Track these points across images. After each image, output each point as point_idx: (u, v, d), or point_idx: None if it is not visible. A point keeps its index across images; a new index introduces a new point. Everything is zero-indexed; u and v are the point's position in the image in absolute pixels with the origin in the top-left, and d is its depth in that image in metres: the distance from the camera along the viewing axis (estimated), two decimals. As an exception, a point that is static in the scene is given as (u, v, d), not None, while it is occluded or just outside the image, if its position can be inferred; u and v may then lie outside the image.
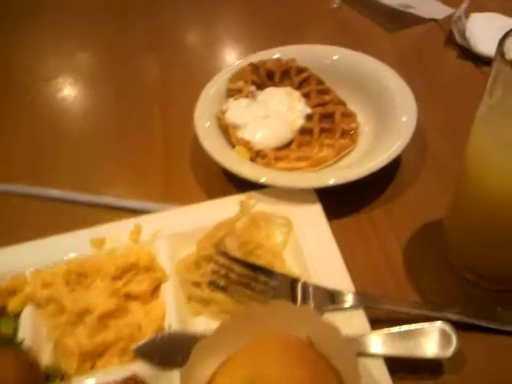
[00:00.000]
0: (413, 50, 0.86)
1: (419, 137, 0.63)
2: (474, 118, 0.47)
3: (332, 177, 0.59)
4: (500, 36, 0.82)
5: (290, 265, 0.57)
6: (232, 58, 0.76)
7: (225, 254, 0.53)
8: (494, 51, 0.80)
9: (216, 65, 0.75)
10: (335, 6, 0.94)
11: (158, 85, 0.84)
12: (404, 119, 0.64)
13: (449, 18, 0.89)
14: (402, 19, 0.90)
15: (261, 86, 0.73)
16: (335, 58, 0.75)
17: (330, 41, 0.86)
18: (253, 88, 0.69)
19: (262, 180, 0.60)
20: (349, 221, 0.62)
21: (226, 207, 0.60)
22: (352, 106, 0.72)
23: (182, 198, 0.65)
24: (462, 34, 0.83)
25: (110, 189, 0.69)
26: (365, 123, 0.70)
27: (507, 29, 0.84)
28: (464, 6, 0.84)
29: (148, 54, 0.92)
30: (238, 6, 1.03)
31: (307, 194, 0.61)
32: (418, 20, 0.90)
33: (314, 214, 0.60)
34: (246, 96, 0.69)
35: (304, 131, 0.68)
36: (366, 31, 0.90)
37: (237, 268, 0.53)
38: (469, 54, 0.82)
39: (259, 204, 0.61)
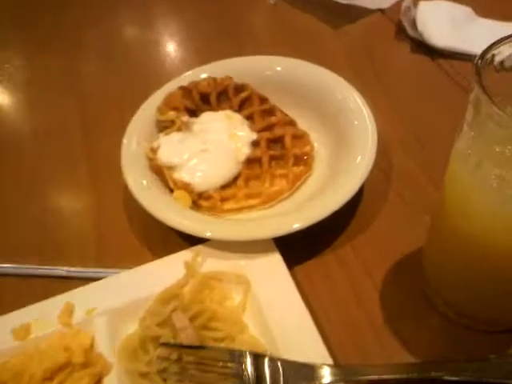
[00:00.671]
0: (361, 46, 0.77)
1: (380, 153, 0.55)
2: (452, 149, 0.39)
3: (293, 220, 0.51)
4: (452, 26, 0.75)
5: (252, 332, 0.48)
6: (160, 81, 0.65)
7: (169, 346, 0.44)
8: (448, 43, 0.74)
9: (144, 89, 0.65)
10: (272, 2, 0.84)
11: (78, 123, 0.73)
12: (364, 138, 0.56)
13: (396, 7, 0.80)
14: (345, 13, 0.81)
15: (196, 112, 0.63)
16: (278, 69, 0.65)
17: (269, 43, 0.78)
18: (186, 118, 0.59)
19: (208, 234, 0.51)
20: (314, 264, 0.54)
21: (172, 267, 0.52)
22: (302, 124, 0.63)
23: (119, 258, 0.55)
24: (413, 26, 0.75)
25: (32, 255, 0.58)
26: (319, 143, 0.62)
27: (460, 18, 0.77)
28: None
29: (66, 84, 0.79)
30: (163, 13, 0.92)
31: (263, 242, 0.52)
32: (364, 12, 0.81)
33: (273, 266, 0.51)
34: (179, 129, 0.59)
35: (251, 161, 0.59)
36: (309, 29, 0.81)
37: (189, 356, 0.44)
38: (423, 47, 0.74)
39: (209, 260, 0.52)
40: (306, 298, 0.49)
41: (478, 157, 0.35)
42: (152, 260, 0.53)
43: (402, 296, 0.51)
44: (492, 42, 0.66)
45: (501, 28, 0.74)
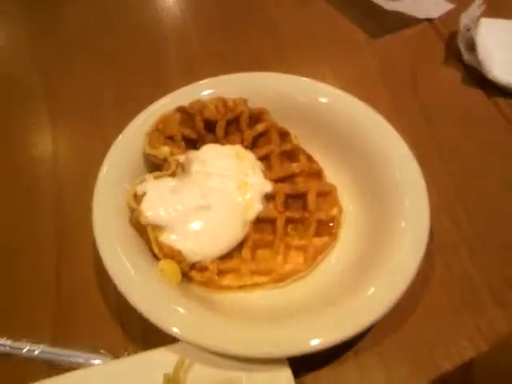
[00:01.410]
0: (401, 65, 0.63)
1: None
2: None
3: (314, 334, 0.38)
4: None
5: None
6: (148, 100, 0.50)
7: None
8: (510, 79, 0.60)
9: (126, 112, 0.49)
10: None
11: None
12: (408, 204, 0.43)
13: (447, 18, 0.66)
14: (386, 18, 0.66)
15: (195, 143, 0.48)
16: (313, 97, 0.51)
17: (293, 46, 0.63)
18: (183, 158, 0.45)
19: (196, 342, 0.37)
20: (332, 372, 0.42)
21: (150, 366, 0.39)
22: (328, 169, 0.49)
23: (85, 336, 0.43)
24: (471, 50, 0.60)
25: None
26: (348, 199, 0.48)
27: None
28: (476, 8, 0.61)
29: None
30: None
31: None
32: (407, 20, 0.66)
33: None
34: (173, 174, 0.44)
35: (262, 222, 0.45)
36: (340, 33, 0.66)
37: None
38: (478, 78, 0.60)
39: (197, 368, 0.39)
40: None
41: None
42: (127, 343, 0.42)
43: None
44: None
45: None
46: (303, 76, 0.53)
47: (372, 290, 0.39)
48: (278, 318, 0.40)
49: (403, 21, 0.66)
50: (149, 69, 0.63)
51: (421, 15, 0.66)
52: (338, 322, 0.38)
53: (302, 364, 0.40)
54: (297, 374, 0.40)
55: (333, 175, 0.50)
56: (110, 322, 0.44)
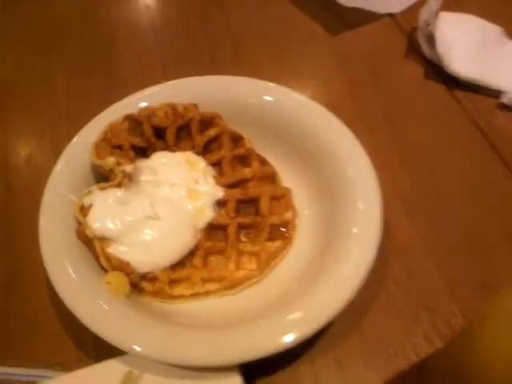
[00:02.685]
0: (361, 62, 0.62)
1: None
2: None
3: (267, 340, 0.37)
4: (478, 51, 0.60)
5: None
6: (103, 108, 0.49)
7: None
8: (472, 73, 0.59)
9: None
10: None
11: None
12: (363, 206, 0.42)
13: (410, 13, 0.65)
14: (346, 15, 0.65)
15: (145, 151, 0.48)
16: (264, 98, 0.50)
17: (249, 46, 0.62)
18: (130, 168, 0.44)
19: (138, 350, 0.37)
20: (286, 379, 0.41)
21: (101, 378, 0.39)
22: (283, 172, 0.49)
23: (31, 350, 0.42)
24: (431, 45, 0.60)
25: None
26: (302, 201, 0.48)
27: (488, 40, 0.62)
28: (434, 2, 0.60)
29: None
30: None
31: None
32: (369, 16, 0.65)
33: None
34: (119, 184, 0.44)
35: (213, 229, 0.45)
36: (304, 30, 0.65)
37: None
38: (440, 73, 0.59)
39: (148, 378, 0.38)
40: None
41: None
42: (79, 357, 0.42)
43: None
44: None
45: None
46: (262, 76, 0.52)
47: (319, 295, 0.39)
48: (230, 325, 0.40)
49: (365, 17, 0.65)
50: (103, 76, 0.62)
51: (382, 10, 0.65)
52: (289, 327, 0.37)
53: (256, 370, 0.40)
54: (251, 380, 0.40)
55: (288, 178, 0.49)
56: (63, 337, 0.43)
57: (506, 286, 0.28)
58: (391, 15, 0.66)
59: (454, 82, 0.59)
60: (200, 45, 0.65)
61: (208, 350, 0.37)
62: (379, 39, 0.64)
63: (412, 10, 0.66)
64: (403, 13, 0.66)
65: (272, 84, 0.51)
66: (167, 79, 0.52)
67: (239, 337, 0.38)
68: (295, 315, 0.38)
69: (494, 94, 0.58)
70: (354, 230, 0.41)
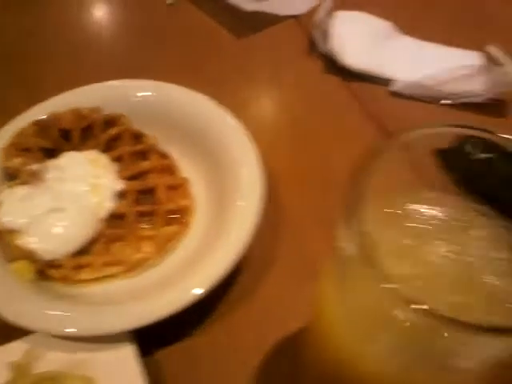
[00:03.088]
0: (266, 61, 0.67)
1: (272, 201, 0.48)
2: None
3: (154, 309, 0.42)
4: (369, 44, 0.66)
5: None
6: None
7: None
8: (363, 65, 0.65)
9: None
10: (170, 1, 0.72)
11: None
12: (250, 188, 0.48)
13: (312, 13, 0.70)
14: (252, 19, 0.70)
15: (54, 152, 0.52)
16: (151, 95, 0.56)
17: (162, 52, 0.67)
18: (35, 166, 0.49)
19: (39, 328, 0.42)
20: (180, 350, 0.46)
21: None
22: (184, 165, 0.54)
23: None
24: (327, 41, 0.65)
25: None
26: (202, 191, 0.53)
27: (379, 35, 0.68)
28: (327, 3, 0.65)
29: None
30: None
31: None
32: (274, 19, 0.70)
33: (123, 361, 0.43)
34: (25, 182, 0.48)
35: (115, 218, 0.50)
36: (208, 36, 0.70)
37: None
38: (336, 66, 0.65)
39: (47, 355, 0.43)
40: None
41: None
42: None
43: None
44: (409, 64, 0.57)
45: (421, 49, 0.65)
46: (170, 80, 0.57)
47: (206, 262, 0.44)
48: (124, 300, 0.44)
49: (270, 20, 0.70)
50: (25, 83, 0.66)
51: (285, 13, 0.70)
52: (172, 299, 0.42)
53: (153, 343, 0.45)
54: (149, 352, 0.44)
55: (189, 169, 0.54)
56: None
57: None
58: (295, 17, 0.71)
59: (348, 74, 0.64)
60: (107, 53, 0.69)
61: (99, 319, 0.41)
62: (282, 40, 0.69)
63: (314, 11, 0.71)
64: (306, 14, 0.71)
65: (174, 85, 0.56)
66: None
67: (130, 306, 0.42)
68: (182, 283, 0.43)
69: (384, 83, 0.64)
70: (238, 202, 0.46)
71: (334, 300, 0.30)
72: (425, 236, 0.30)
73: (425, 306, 0.21)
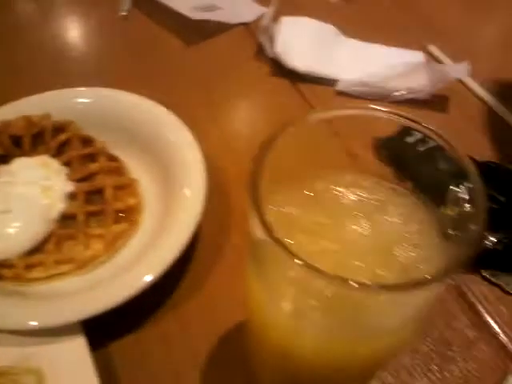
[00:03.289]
0: (215, 67, 0.70)
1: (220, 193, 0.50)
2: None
3: (103, 298, 0.44)
4: (314, 47, 0.69)
5: None
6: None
7: None
8: (309, 67, 0.68)
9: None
10: (123, 13, 0.75)
11: None
12: (193, 186, 0.50)
13: (261, 20, 0.73)
14: (203, 26, 0.73)
15: (6, 158, 0.54)
16: (100, 101, 0.58)
17: (113, 61, 0.69)
18: (-16, 171, 0.51)
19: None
20: (132, 341, 0.47)
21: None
22: (133, 166, 0.56)
23: None
24: (273, 45, 0.68)
25: None
26: (150, 191, 0.55)
27: (323, 38, 0.71)
28: (271, 10, 0.68)
29: None
30: None
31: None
32: (224, 26, 0.73)
33: (73, 353, 0.44)
34: (-26, 185, 0.50)
35: (65, 219, 0.51)
36: (162, 44, 0.73)
37: None
38: (284, 69, 0.67)
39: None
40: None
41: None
42: None
43: (227, 377, 0.45)
44: (353, 64, 0.60)
45: (364, 50, 0.69)
46: (122, 87, 0.59)
47: (153, 253, 0.46)
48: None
49: (219, 27, 0.73)
50: None
51: (234, 21, 0.73)
52: (123, 287, 0.44)
53: (104, 335, 0.46)
54: (101, 345, 0.46)
55: (138, 171, 0.56)
56: None
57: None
58: (245, 24, 0.74)
59: (296, 76, 0.67)
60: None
61: (48, 311, 0.43)
62: (232, 46, 0.72)
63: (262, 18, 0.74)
64: (255, 21, 0.74)
65: (123, 92, 0.58)
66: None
67: (80, 296, 0.44)
68: (132, 272, 0.45)
69: (330, 83, 0.66)
70: (183, 196, 0.49)
71: (256, 286, 0.32)
72: (343, 214, 0.32)
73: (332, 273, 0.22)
